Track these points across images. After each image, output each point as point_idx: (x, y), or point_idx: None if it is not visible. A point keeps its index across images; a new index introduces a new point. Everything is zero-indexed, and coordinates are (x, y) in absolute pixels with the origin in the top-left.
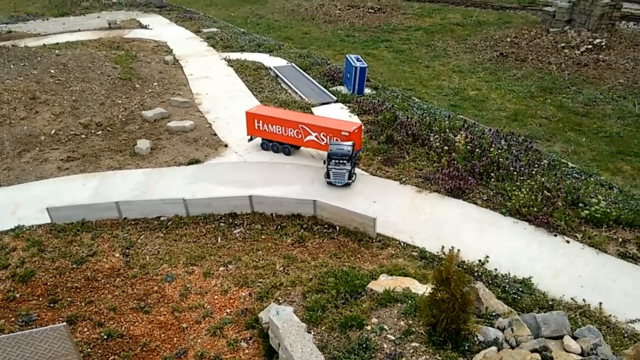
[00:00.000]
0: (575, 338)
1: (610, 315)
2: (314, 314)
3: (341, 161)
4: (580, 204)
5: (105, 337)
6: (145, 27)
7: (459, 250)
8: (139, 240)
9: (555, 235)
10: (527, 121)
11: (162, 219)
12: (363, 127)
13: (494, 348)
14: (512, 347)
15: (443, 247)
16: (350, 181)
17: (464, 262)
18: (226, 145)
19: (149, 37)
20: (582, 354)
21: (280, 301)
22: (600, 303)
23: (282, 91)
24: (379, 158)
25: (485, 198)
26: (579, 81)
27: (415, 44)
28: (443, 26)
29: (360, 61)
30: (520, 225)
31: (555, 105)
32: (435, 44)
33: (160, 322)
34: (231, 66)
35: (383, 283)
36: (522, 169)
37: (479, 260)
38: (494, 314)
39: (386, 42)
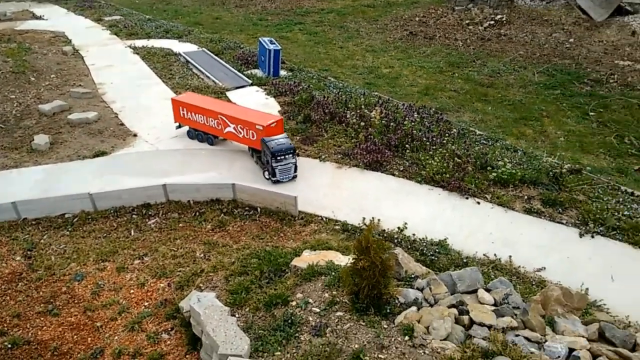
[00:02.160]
0: (488, 290)
1: (519, 267)
2: (238, 297)
3: (286, 156)
4: (488, 168)
5: (9, 346)
6: (40, 18)
7: (379, 220)
8: (42, 241)
9: (467, 198)
10: (438, 95)
11: (66, 216)
12: (281, 109)
13: (413, 308)
14: (431, 305)
15: (364, 218)
16: (295, 174)
17: (384, 230)
18: (135, 135)
19: (44, 28)
20: (495, 304)
21: (202, 288)
22: (510, 256)
23: (194, 77)
24: (298, 138)
25: (401, 169)
26: (484, 55)
27: (328, 25)
28: (355, 8)
29: (274, 44)
30: (435, 192)
31: (463, 78)
32: (348, 25)
33: (72, 323)
34: (137, 54)
35: (306, 258)
36: (434, 139)
37: (398, 228)
38: (413, 276)
39: (300, 24)
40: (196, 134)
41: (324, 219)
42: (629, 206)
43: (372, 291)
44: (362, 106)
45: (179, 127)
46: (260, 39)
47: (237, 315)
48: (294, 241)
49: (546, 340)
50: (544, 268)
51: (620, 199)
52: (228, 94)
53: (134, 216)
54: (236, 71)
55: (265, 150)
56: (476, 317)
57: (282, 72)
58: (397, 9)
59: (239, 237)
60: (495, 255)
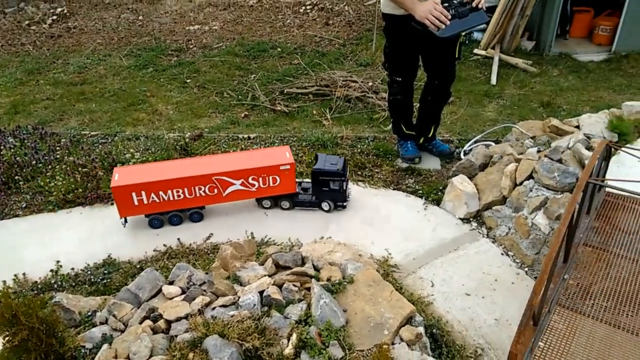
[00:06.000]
0: (172, 283)
1: (190, 244)
2: None
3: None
4: (118, 165)
5: None
6: None
7: (24, 274)
8: None
9: (112, 204)
10: (31, 109)
11: None
12: None
13: (105, 346)
14: (123, 331)
15: (5, 282)
16: None
17: (36, 282)
18: None
19: None
20: (184, 292)
21: None
22: (179, 238)
23: None
24: None
25: (24, 205)
26: (62, 53)
27: None
28: None
29: None
30: (76, 212)
31: (51, 83)
32: None
33: None
34: None
35: None
36: (47, 157)
37: (51, 270)
38: (90, 313)
39: None
40: (168, 218)
41: None
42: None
43: (49, 359)
44: None
45: (126, 222)
46: None
47: None
48: None
49: (239, 297)
50: (212, 234)
51: (244, 145)
52: None
53: None
54: None
55: (323, 181)
56: (170, 315)
57: None
58: None
59: None
60: (164, 245)
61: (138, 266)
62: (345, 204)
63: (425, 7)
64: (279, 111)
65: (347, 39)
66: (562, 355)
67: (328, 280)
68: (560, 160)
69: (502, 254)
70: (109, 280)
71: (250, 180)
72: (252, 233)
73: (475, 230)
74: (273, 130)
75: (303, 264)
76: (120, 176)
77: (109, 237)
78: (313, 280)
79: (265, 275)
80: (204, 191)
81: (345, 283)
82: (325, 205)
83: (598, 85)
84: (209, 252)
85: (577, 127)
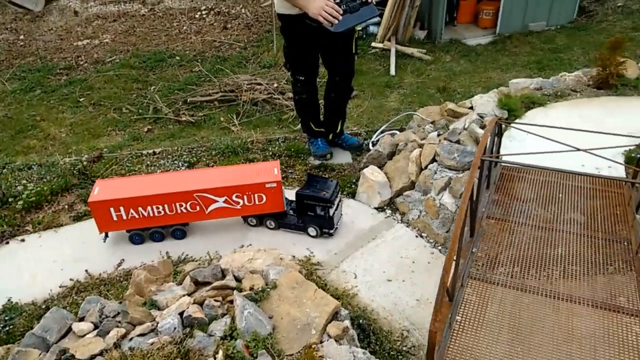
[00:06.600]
0: (82, 319)
1: (101, 273)
2: None
3: (338, 194)
4: (10, 199)
5: None
6: None
7: None
8: None
9: (8, 243)
10: None
11: None
12: None
13: None
14: None
15: None
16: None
17: None
18: None
19: None
20: (97, 326)
21: None
22: (86, 269)
23: None
24: None
25: None
26: None
27: None
28: None
29: None
30: None
31: None
32: None
33: None
34: None
35: None
36: None
37: None
38: None
39: None
40: (150, 234)
41: None
42: (165, 162)
43: None
44: None
45: (107, 237)
46: None
47: None
48: None
49: (158, 323)
50: (123, 260)
51: (149, 162)
52: None
53: None
54: None
55: (308, 205)
56: (83, 354)
57: None
58: None
59: None
60: (71, 279)
61: (44, 306)
62: (332, 231)
63: (317, 4)
64: (185, 122)
65: (247, 41)
66: (478, 325)
67: (251, 289)
68: (458, 142)
69: (416, 236)
70: (11, 326)
71: (234, 197)
72: (167, 252)
73: (390, 217)
74: (180, 142)
75: (223, 276)
76: (100, 190)
77: (7, 279)
78: (235, 292)
79: (184, 295)
80: (186, 208)
81: (269, 289)
82: (311, 231)
83: (487, 66)
84: (121, 279)
85: (471, 108)
